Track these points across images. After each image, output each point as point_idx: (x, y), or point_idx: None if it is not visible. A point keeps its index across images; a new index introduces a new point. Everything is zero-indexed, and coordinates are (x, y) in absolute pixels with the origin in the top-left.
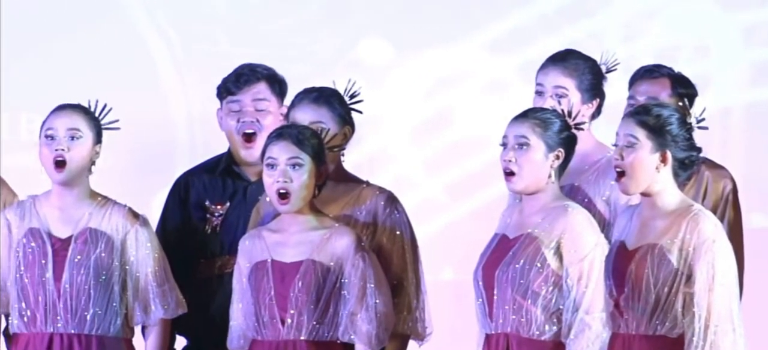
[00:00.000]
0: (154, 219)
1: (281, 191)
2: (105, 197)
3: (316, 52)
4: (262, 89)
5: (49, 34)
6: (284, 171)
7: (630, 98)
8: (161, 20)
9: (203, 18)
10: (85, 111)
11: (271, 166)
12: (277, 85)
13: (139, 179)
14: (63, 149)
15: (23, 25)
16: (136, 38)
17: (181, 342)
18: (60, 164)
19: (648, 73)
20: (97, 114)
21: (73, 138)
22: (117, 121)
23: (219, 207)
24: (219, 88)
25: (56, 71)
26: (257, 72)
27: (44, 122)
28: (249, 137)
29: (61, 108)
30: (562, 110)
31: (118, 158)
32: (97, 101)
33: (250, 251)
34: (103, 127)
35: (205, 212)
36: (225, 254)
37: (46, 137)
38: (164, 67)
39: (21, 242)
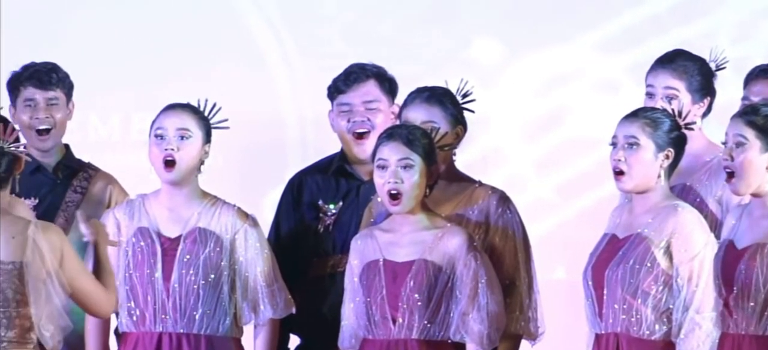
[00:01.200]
0: (264, 219)
1: (392, 191)
2: (214, 197)
3: (428, 52)
4: (371, 87)
5: (162, 34)
6: (395, 172)
7: (744, 98)
8: (274, 20)
9: (316, 18)
10: (194, 111)
11: (382, 167)
12: (387, 83)
13: (250, 180)
14: (173, 149)
15: (137, 26)
16: (249, 38)
17: (294, 340)
18: (169, 163)
19: (763, 73)
20: (206, 113)
21: (182, 138)
22: (226, 120)
23: (332, 207)
24: (329, 88)
25: (168, 71)
26: (366, 70)
27: (154, 122)
28: (360, 136)
29: (171, 108)
30: (673, 110)
31: (230, 158)
32: (206, 101)
33: (362, 250)
34: (212, 126)
35: (318, 212)
36: (337, 253)
37: (156, 136)
38: (276, 67)
39: (130, 242)
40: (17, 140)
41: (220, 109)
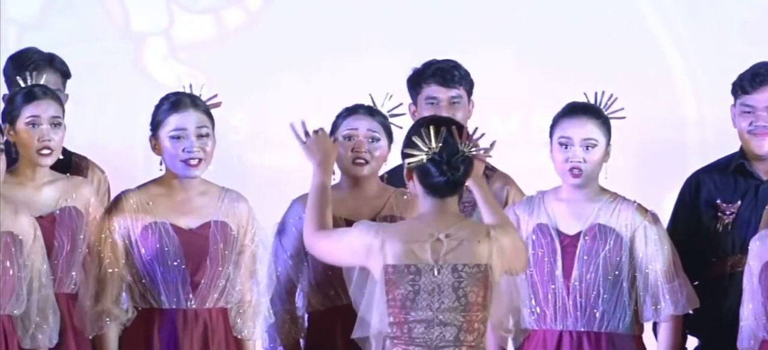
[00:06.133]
0: (664, 220)
1: None
2: (614, 194)
3: None
4: None
5: (579, 33)
6: None
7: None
8: (673, 20)
9: (716, 17)
10: (597, 115)
11: None
12: None
13: (649, 178)
14: (580, 161)
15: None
16: (650, 38)
17: (692, 342)
18: (576, 173)
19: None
20: (601, 106)
21: (587, 148)
22: (622, 109)
23: (730, 206)
24: (734, 84)
25: (572, 69)
26: None
27: (555, 124)
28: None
29: (574, 112)
30: None
31: (628, 158)
32: (603, 92)
33: (760, 251)
34: (609, 116)
35: (716, 211)
36: (736, 253)
37: (560, 144)
38: (676, 66)
39: (529, 238)
40: (475, 144)
41: (616, 99)
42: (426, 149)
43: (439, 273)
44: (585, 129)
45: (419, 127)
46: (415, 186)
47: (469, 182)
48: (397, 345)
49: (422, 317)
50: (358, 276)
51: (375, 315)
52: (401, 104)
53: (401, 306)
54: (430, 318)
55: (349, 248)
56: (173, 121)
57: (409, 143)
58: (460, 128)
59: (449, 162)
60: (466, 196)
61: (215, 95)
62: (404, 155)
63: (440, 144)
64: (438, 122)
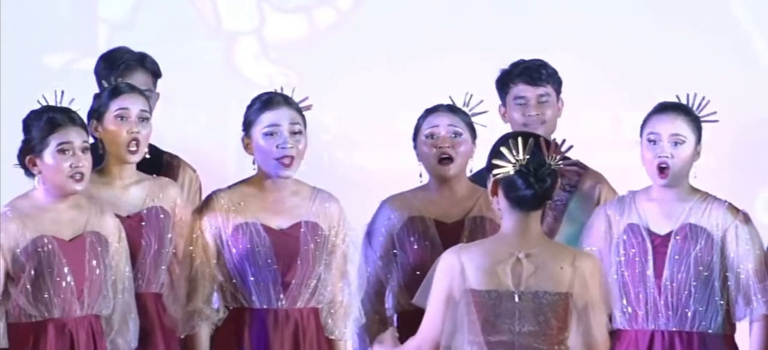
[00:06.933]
0: (756, 219)
1: None
2: (705, 193)
3: None
4: None
5: (647, 32)
6: None
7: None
8: (766, 20)
9: None
10: (686, 112)
11: None
12: None
13: (740, 178)
14: (667, 156)
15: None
16: (741, 37)
17: None
18: (663, 170)
19: None
20: (694, 108)
21: (675, 144)
22: (715, 113)
23: None
24: None
25: (656, 69)
26: None
27: (646, 123)
28: None
29: (664, 110)
30: None
31: (719, 158)
32: (695, 95)
33: None
34: (701, 120)
35: None
36: None
37: (649, 141)
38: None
39: (621, 238)
40: (563, 157)
41: (708, 102)
42: (513, 161)
43: (519, 299)
44: (674, 125)
45: (507, 139)
46: (499, 202)
47: None
48: None
49: (502, 339)
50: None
51: (458, 337)
52: (482, 102)
53: (481, 328)
54: (509, 340)
55: (438, 295)
56: (266, 118)
57: (496, 154)
58: (547, 140)
59: (536, 174)
60: (558, 194)
61: (306, 98)
62: (490, 167)
63: (528, 156)
64: (525, 134)
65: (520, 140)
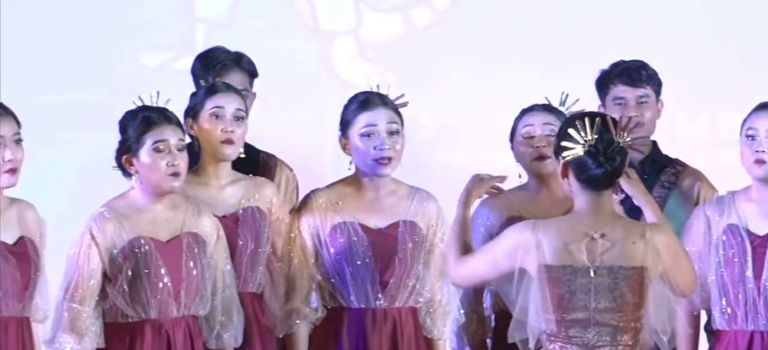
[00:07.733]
0: None
1: None
2: None
3: None
4: None
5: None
6: None
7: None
8: None
9: None
10: None
11: None
12: None
13: None
14: (763, 151)
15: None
16: None
17: None
18: (760, 162)
19: None
20: None
21: None
22: None
23: None
24: None
25: (749, 71)
26: None
27: (745, 122)
28: None
29: (764, 108)
30: None
31: None
32: None
33: None
34: None
35: None
36: None
37: (748, 137)
38: None
39: (720, 239)
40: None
41: None
42: (582, 142)
43: (595, 274)
44: None
45: (573, 120)
46: (569, 184)
47: (621, 180)
48: (554, 342)
49: (578, 317)
50: (516, 277)
51: (532, 312)
52: (578, 101)
53: (557, 305)
54: (586, 318)
55: (505, 252)
56: (363, 118)
57: (564, 137)
58: (614, 119)
59: (606, 153)
60: (656, 191)
61: (402, 95)
62: (559, 150)
63: (596, 135)
64: (592, 114)
65: (587, 120)
